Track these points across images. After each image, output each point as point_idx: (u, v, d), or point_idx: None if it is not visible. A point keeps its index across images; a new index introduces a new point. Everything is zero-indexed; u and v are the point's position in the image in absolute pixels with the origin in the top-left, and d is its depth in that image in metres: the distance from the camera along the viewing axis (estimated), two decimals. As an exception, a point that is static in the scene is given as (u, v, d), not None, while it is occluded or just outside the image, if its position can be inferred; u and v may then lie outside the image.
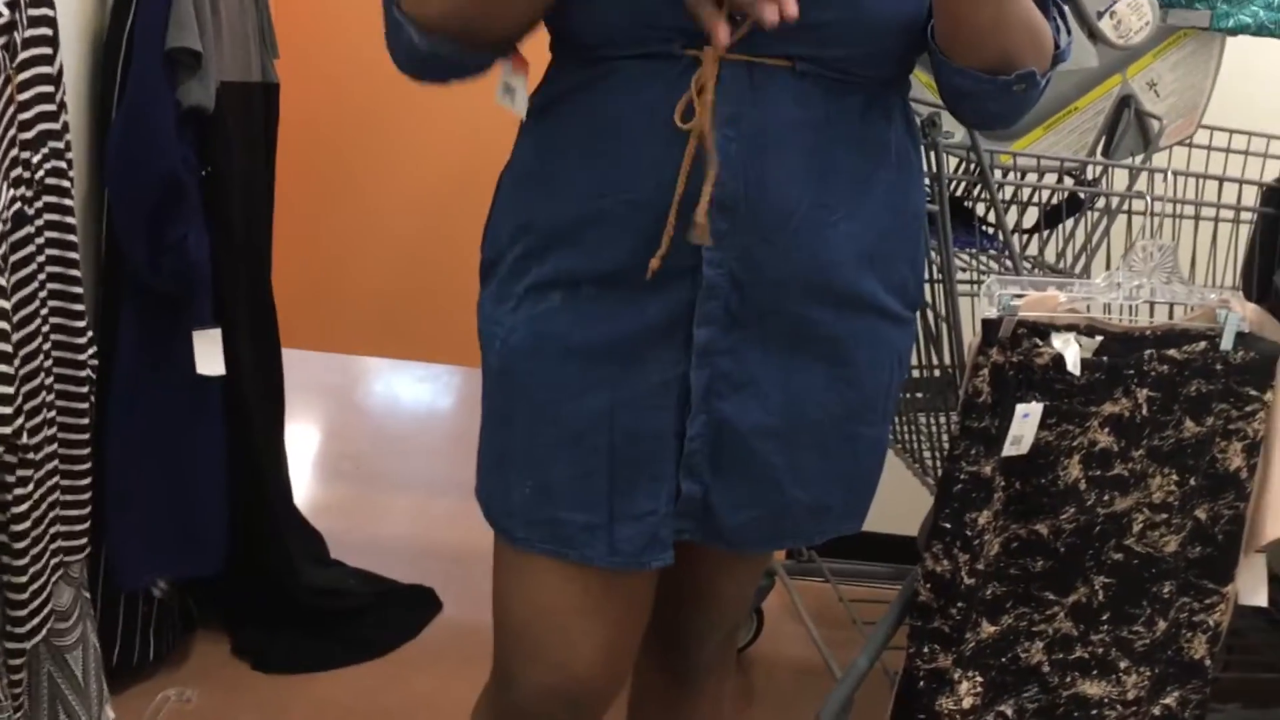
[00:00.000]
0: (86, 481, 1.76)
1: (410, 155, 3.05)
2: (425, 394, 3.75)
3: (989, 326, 1.75)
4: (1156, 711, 1.94)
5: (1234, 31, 2.05)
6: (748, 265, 1.37)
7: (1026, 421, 1.75)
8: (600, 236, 1.39)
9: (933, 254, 1.97)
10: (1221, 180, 2.03)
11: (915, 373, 2.25)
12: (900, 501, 2.45)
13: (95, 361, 1.78)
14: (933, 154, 1.88)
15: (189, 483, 2.22)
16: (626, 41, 1.35)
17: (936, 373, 2.21)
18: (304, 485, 3.24)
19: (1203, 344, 1.80)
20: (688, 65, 1.33)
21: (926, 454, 2.16)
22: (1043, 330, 1.75)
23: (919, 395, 2.26)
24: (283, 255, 2.57)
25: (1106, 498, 1.81)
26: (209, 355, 2.10)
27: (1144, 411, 1.79)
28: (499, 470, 1.49)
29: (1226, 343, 1.80)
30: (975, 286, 2.07)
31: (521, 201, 1.47)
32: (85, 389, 1.73)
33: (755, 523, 1.49)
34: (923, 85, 2.01)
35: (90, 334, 1.76)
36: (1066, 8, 1.48)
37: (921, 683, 1.85)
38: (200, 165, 2.14)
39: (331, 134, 3.02)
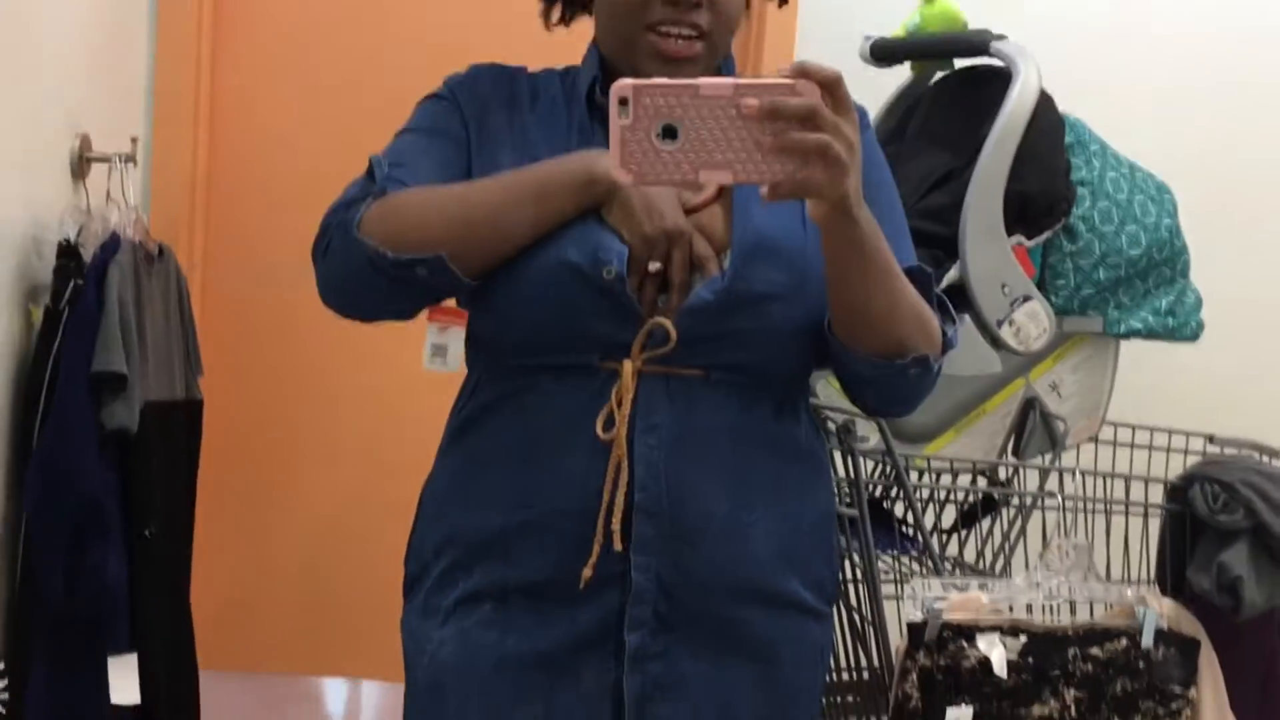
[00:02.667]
0: (-9, 824, 1.68)
1: (323, 471, 3.05)
2: (343, 712, 3.64)
3: (915, 630, 1.76)
4: None
5: (1126, 335, 2.15)
6: (674, 569, 1.40)
7: (958, 726, 1.74)
8: (528, 547, 1.41)
9: (855, 557, 1.99)
10: (1128, 479, 2.09)
11: (845, 675, 2.24)
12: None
13: (5, 695, 1.73)
14: (849, 459, 1.93)
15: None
16: (551, 349, 1.41)
17: (865, 675, 2.20)
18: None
19: (1124, 642, 1.83)
20: (606, 378, 1.39)
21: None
22: (968, 632, 1.77)
23: (849, 699, 2.25)
24: (198, 572, 2.54)
25: (1043, 802, 1.79)
26: (124, 682, 2.04)
27: (1072, 712, 1.80)
28: None
29: (1147, 640, 1.83)
30: (899, 588, 2.09)
31: (446, 516, 1.49)
32: (-7, 725, 1.68)
33: None
34: (836, 392, 2.08)
35: (1, 666, 1.71)
36: (966, 315, 1.55)
37: None
38: (121, 486, 2.12)
39: (247, 449, 3.02)
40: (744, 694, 1.46)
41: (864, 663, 2.15)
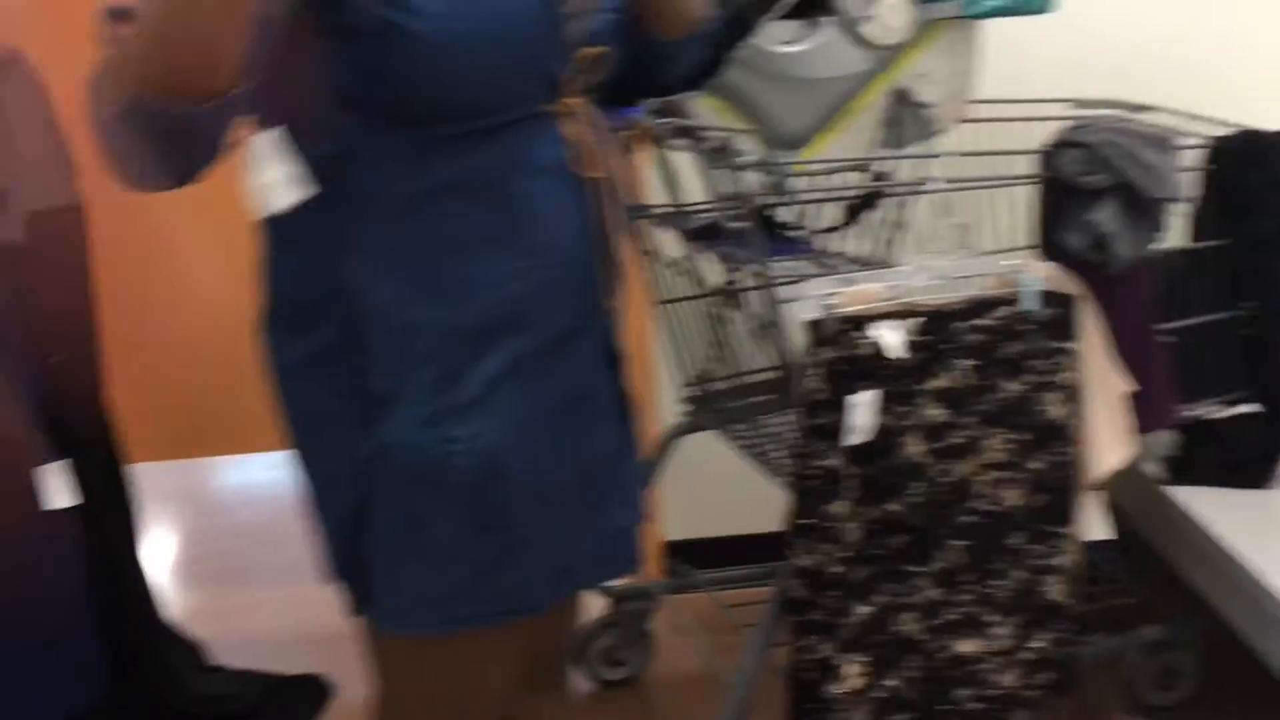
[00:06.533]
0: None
1: (223, 243, 3.02)
2: (272, 482, 3.72)
3: (814, 327, 1.84)
4: (1030, 656, 2.05)
5: (983, 15, 2.18)
6: None
7: (863, 410, 1.85)
8: (532, 310, 1.40)
9: (751, 267, 2.06)
10: (999, 154, 2.15)
11: (756, 377, 2.34)
12: (763, 500, 2.52)
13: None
14: (734, 175, 1.98)
15: (57, 620, 2.18)
16: (506, 103, 1.36)
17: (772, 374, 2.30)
18: (172, 595, 3.19)
19: (1009, 309, 1.93)
20: (550, 121, 1.40)
21: (772, 452, 2.24)
22: (864, 322, 1.86)
23: (760, 400, 2.35)
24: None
25: (947, 466, 1.92)
26: (58, 488, 2.07)
27: (967, 380, 1.91)
28: (501, 569, 1.43)
29: (1028, 304, 1.93)
30: (795, 290, 2.16)
31: (422, 319, 1.37)
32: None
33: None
34: (712, 109, 2.11)
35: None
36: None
37: (808, 673, 1.93)
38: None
39: (134, 235, 2.97)
40: None
41: (768, 364, 2.24)
